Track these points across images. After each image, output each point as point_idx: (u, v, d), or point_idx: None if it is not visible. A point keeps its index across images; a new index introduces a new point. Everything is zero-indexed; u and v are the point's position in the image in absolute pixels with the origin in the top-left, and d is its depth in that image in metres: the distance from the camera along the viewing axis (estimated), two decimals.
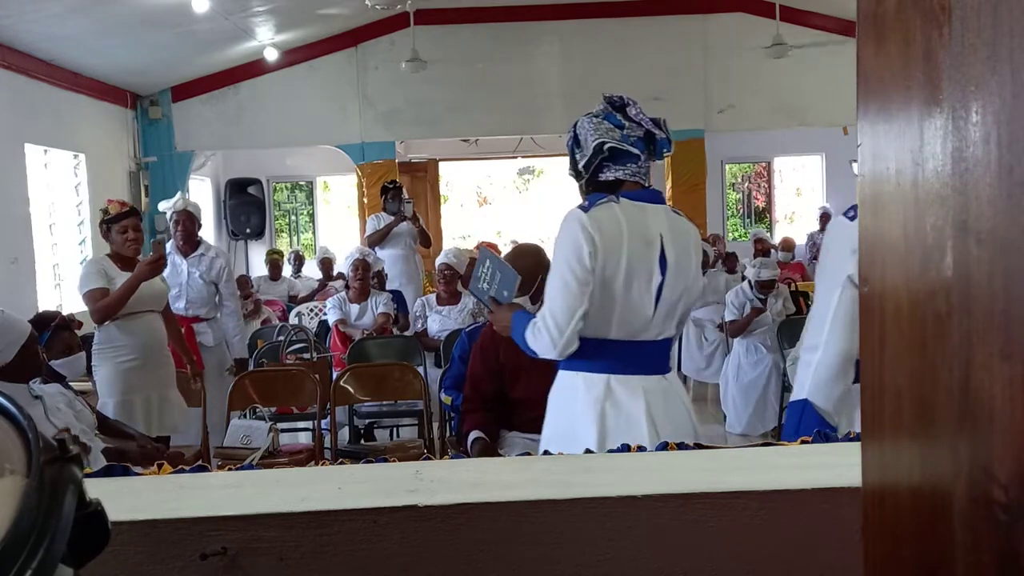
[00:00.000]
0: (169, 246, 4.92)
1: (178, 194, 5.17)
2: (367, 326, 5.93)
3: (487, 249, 2.77)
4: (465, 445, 3.22)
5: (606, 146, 2.24)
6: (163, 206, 5.09)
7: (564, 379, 2.34)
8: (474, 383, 3.23)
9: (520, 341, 2.32)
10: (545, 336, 2.23)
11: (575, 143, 2.33)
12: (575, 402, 2.28)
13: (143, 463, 3.07)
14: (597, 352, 2.26)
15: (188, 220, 4.96)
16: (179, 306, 4.90)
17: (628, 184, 2.28)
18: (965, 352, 0.59)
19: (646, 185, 2.31)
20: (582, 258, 2.19)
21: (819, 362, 2.20)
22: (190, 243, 4.97)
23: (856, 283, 2.08)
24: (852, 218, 2.20)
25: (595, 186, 2.31)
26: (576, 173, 2.35)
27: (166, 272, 4.57)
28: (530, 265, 2.97)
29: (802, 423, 2.17)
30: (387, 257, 7.37)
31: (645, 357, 2.29)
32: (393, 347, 5.54)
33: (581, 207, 2.26)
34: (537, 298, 2.74)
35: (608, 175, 2.28)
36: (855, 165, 0.79)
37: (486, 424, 3.16)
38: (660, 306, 2.27)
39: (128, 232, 4.09)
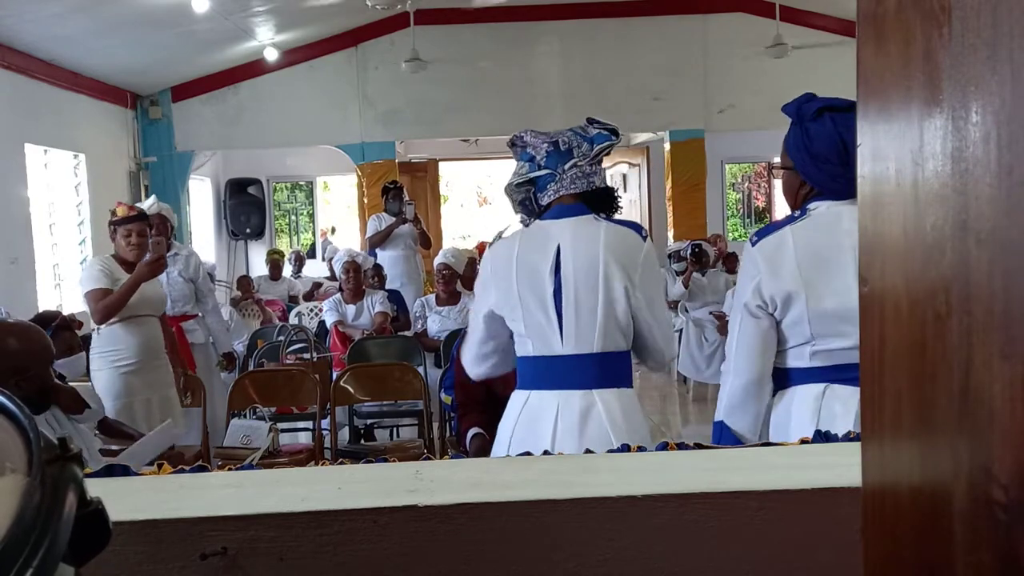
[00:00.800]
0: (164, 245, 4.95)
1: (152, 198, 5.20)
2: (365, 326, 5.94)
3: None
4: (464, 443, 3.23)
5: (513, 185, 2.38)
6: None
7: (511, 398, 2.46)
8: (465, 390, 3.25)
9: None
10: (463, 356, 2.51)
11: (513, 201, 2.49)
12: (506, 418, 2.39)
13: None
14: (523, 369, 2.37)
15: (161, 224, 4.98)
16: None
17: (554, 202, 2.35)
18: (965, 352, 0.59)
19: (584, 191, 2.34)
20: (478, 286, 2.45)
21: (730, 387, 2.20)
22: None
23: (751, 311, 2.13)
24: (754, 243, 2.19)
25: (539, 211, 2.41)
26: (527, 215, 2.45)
27: None
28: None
29: (721, 442, 2.18)
30: (388, 258, 7.37)
31: (564, 372, 2.29)
32: (393, 347, 5.55)
33: (490, 242, 2.47)
34: None
35: (543, 201, 2.37)
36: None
37: (484, 423, 3.16)
38: (565, 318, 2.27)
39: (132, 236, 4.10)
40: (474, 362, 2.46)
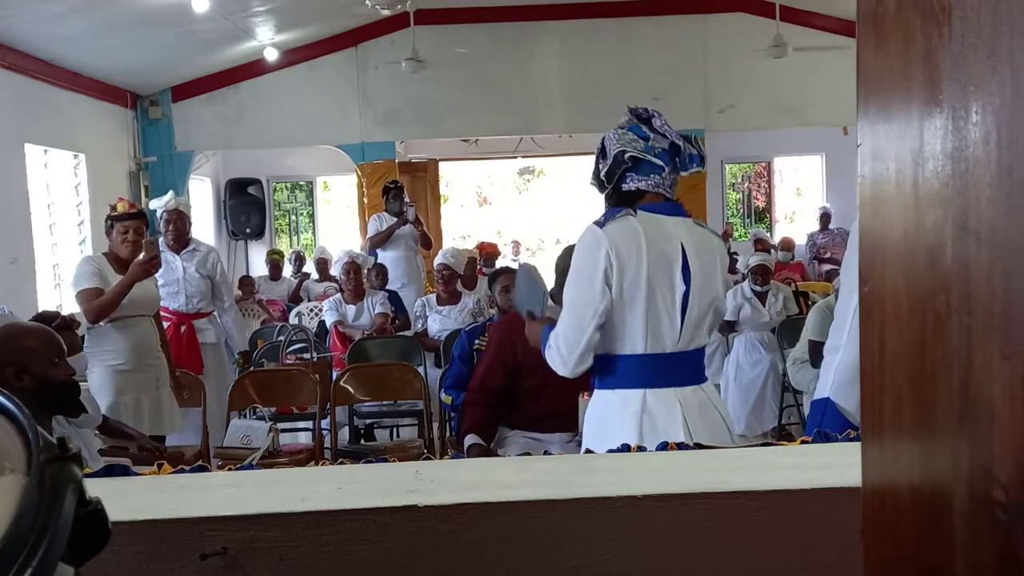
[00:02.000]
0: (160, 244, 4.93)
1: (169, 193, 5.15)
2: (365, 326, 5.94)
3: (525, 265, 2.79)
4: (462, 448, 3.22)
5: (626, 155, 2.26)
6: (154, 204, 5.09)
7: (600, 398, 2.34)
8: (484, 378, 3.23)
9: (544, 356, 2.39)
10: (556, 357, 2.29)
11: (601, 154, 2.35)
12: (612, 419, 2.28)
13: (143, 462, 3.08)
14: (631, 367, 2.27)
15: (179, 219, 4.96)
16: (180, 302, 4.89)
17: (650, 196, 2.30)
18: (965, 352, 0.59)
19: (670, 198, 2.32)
20: (595, 276, 2.22)
21: (840, 363, 2.21)
22: (180, 242, 4.97)
23: None
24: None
25: (617, 197, 2.32)
26: (599, 183, 2.37)
27: (161, 271, 4.56)
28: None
29: (824, 421, 2.18)
30: (388, 258, 7.37)
31: (678, 369, 2.29)
32: (393, 347, 5.55)
33: (597, 222, 2.28)
34: None
35: (630, 185, 2.30)
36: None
37: (485, 423, 3.16)
38: (688, 317, 2.27)
39: (128, 233, 4.07)
40: (582, 356, 2.26)
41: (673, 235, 2.27)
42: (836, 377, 2.22)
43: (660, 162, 2.26)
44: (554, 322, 2.37)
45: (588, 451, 2.27)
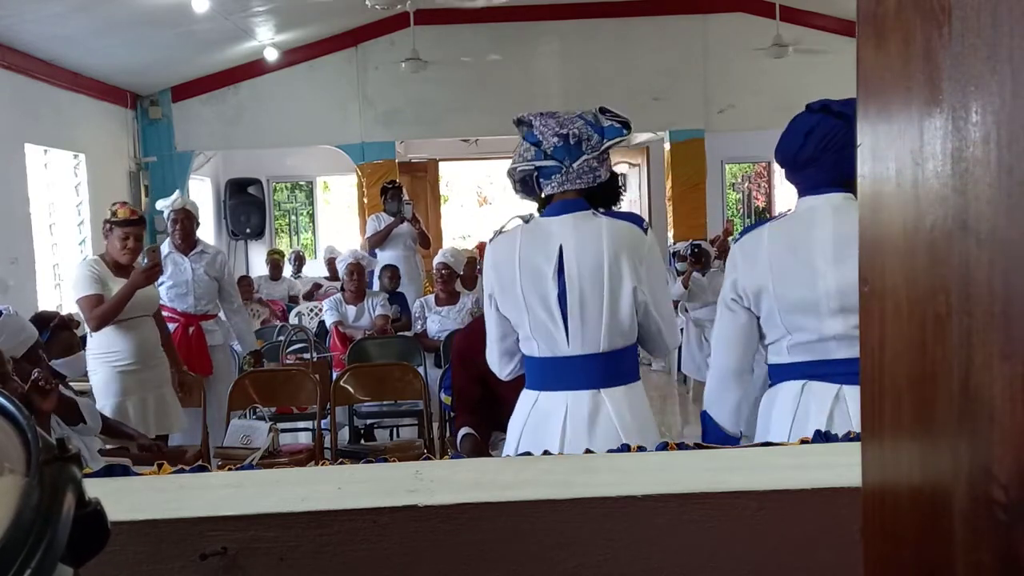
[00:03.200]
0: (166, 246, 4.92)
1: (176, 193, 5.14)
2: (366, 327, 5.94)
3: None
4: (456, 442, 3.22)
5: (517, 171, 2.32)
6: (161, 205, 5.08)
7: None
8: (459, 392, 3.22)
9: None
10: (488, 358, 2.46)
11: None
12: (515, 418, 2.38)
13: (143, 462, 3.08)
14: (531, 369, 2.36)
15: (187, 219, 4.94)
16: (188, 303, 4.86)
17: (556, 196, 2.31)
18: (965, 352, 0.59)
19: (581, 189, 2.30)
20: (485, 289, 2.39)
21: (709, 377, 2.29)
22: (188, 242, 4.95)
23: (727, 305, 2.21)
24: (736, 241, 2.28)
25: (541, 202, 2.38)
26: (527, 193, 2.40)
27: (168, 272, 4.55)
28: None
29: (707, 432, 2.25)
30: (387, 258, 7.36)
31: (573, 373, 2.29)
32: (393, 347, 5.55)
33: (490, 238, 2.40)
34: None
35: (545, 190, 2.33)
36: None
37: (475, 424, 3.15)
38: (570, 321, 2.25)
39: (129, 240, 4.02)
40: (500, 362, 2.42)
41: (553, 237, 2.28)
42: (707, 390, 2.29)
43: (555, 161, 2.26)
44: None
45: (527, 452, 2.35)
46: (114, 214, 4.09)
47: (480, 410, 3.16)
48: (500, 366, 2.43)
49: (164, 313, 4.51)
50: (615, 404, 2.27)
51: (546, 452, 2.11)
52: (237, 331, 5.13)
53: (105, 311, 3.90)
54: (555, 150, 2.25)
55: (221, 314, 5.06)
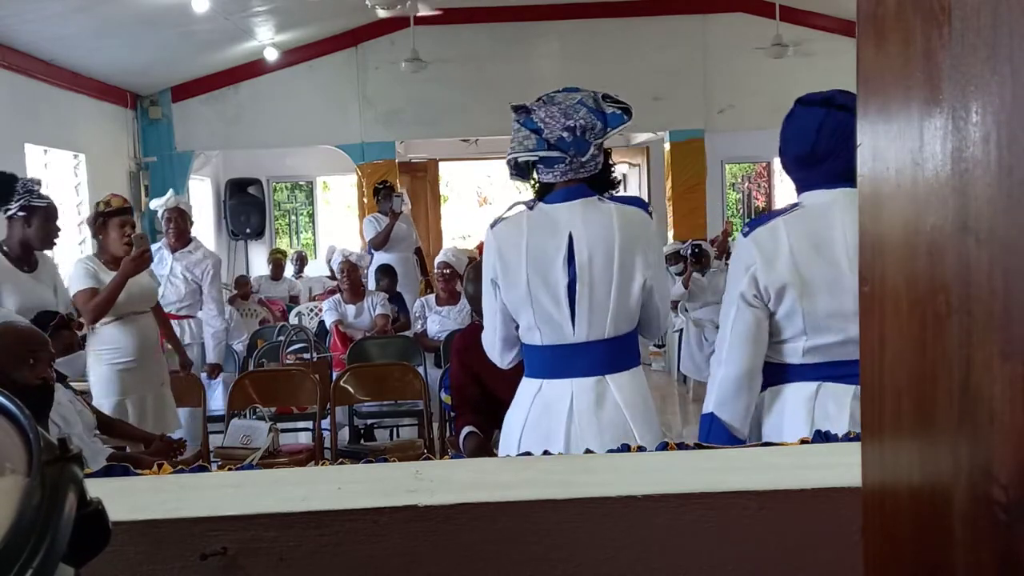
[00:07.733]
0: (160, 243, 4.95)
1: (169, 192, 5.15)
2: (365, 326, 5.94)
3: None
4: (459, 442, 3.22)
5: (518, 160, 2.27)
6: (155, 204, 5.08)
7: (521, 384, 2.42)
8: (459, 391, 3.22)
9: None
10: (486, 347, 2.43)
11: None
12: (516, 407, 2.36)
13: (159, 455, 3.07)
14: (532, 358, 2.34)
15: (180, 217, 4.96)
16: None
17: (559, 184, 2.27)
18: (965, 352, 0.59)
19: (584, 178, 2.27)
20: (487, 278, 2.33)
21: (722, 378, 2.17)
22: (182, 240, 4.97)
23: (748, 301, 2.10)
24: (746, 234, 2.16)
25: (540, 188, 2.33)
26: (523, 177, 2.36)
27: (154, 263, 4.53)
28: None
29: (711, 435, 2.16)
30: (384, 259, 7.35)
31: (577, 359, 2.27)
32: (393, 347, 5.55)
33: (492, 222, 2.34)
34: None
35: (545, 177, 2.28)
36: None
37: (478, 423, 3.15)
38: (578, 308, 2.24)
39: (126, 228, 4.00)
40: (501, 351, 2.39)
41: (561, 225, 2.24)
42: (719, 392, 2.18)
43: (559, 152, 2.22)
44: None
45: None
46: (108, 204, 4.04)
47: (482, 408, 3.16)
48: (501, 355, 2.40)
49: None
50: (620, 389, 2.27)
51: (551, 443, 2.10)
52: (206, 338, 5.06)
53: (99, 302, 3.87)
54: (560, 141, 2.22)
55: (203, 317, 5.05)
